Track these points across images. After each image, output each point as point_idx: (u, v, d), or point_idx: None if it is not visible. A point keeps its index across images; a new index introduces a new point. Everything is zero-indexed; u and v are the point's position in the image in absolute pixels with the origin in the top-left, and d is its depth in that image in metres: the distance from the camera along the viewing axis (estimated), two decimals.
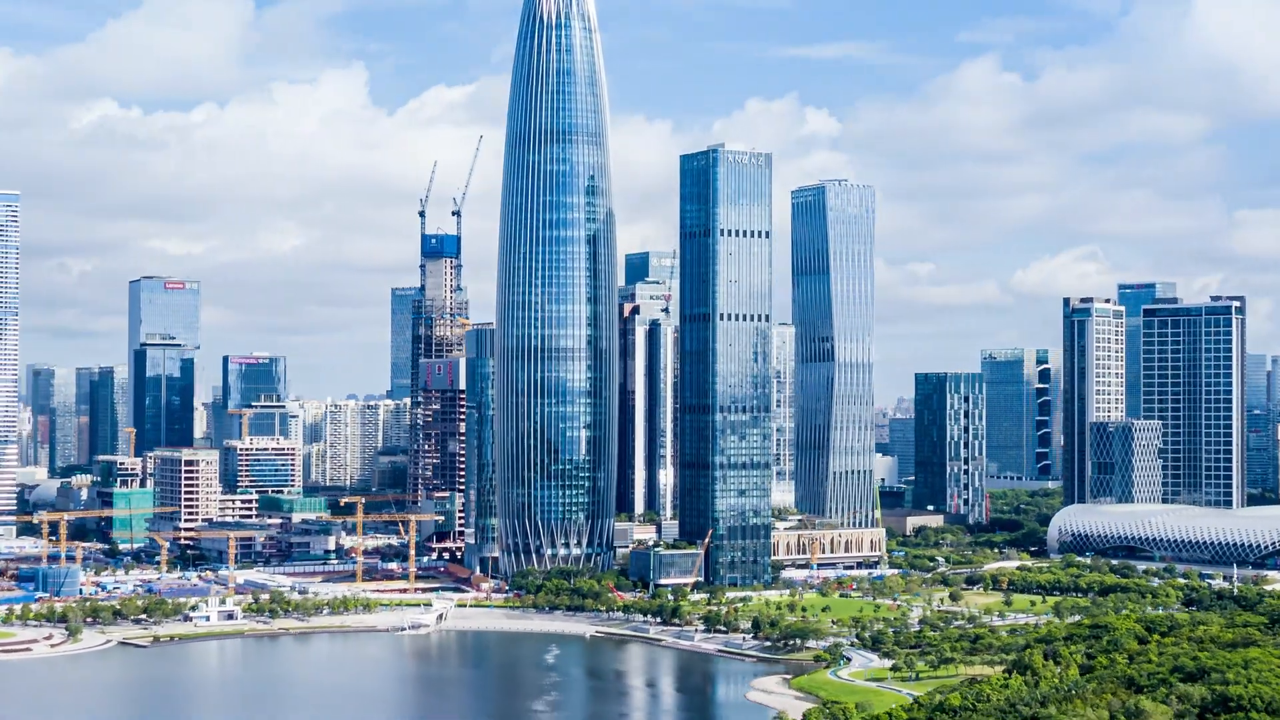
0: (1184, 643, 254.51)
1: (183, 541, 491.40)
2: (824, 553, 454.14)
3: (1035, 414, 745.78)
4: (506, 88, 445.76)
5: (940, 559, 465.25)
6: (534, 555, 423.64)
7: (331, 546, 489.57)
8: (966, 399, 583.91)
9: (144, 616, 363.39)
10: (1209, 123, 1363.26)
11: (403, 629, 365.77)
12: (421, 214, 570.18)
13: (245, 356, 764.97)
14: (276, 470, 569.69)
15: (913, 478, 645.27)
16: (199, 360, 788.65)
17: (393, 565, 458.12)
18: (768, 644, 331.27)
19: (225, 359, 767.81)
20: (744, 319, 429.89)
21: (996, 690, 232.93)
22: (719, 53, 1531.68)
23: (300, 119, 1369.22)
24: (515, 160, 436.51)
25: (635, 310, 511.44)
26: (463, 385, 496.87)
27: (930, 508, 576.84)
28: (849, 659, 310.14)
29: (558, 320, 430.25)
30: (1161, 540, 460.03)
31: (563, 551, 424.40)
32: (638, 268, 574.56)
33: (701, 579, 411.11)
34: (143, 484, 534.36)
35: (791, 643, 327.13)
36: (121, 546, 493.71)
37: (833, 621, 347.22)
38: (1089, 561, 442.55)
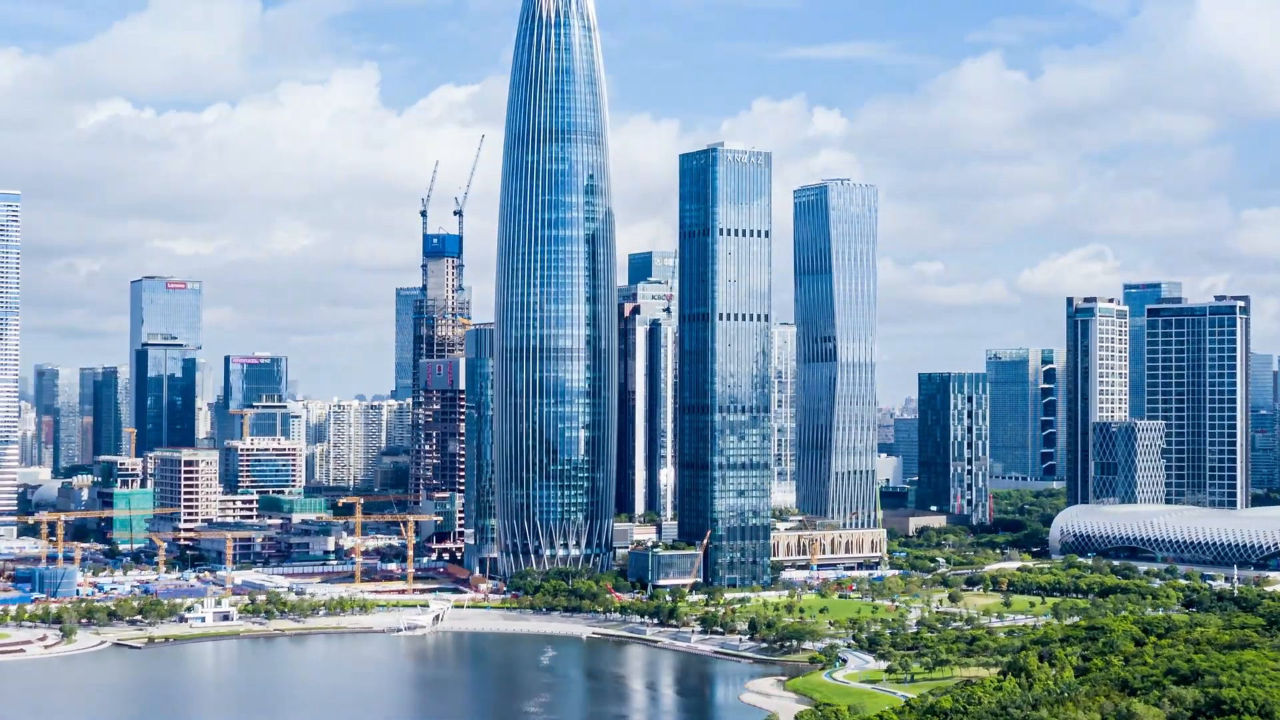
0: (1180, 644, 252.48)
1: (182, 542, 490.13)
2: (824, 553, 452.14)
3: (1040, 414, 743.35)
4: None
5: (941, 560, 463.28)
6: (532, 556, 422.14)
7: (331, 547, 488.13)
8: (970, 399, 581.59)
9: (139, 617, 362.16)
10: (1215, 122, 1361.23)
11: (399, 630, 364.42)
12: (423, 214, 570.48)
13: (247, 357, 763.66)
14: (277, 470, 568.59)
15: (916, 478, 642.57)
16: (204, 361, 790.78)
17: (392, 566, 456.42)
18: (764, 645, 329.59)
19: (226, 359, 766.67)
20: (743, 319, 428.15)
21: (989, 692, 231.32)
22: (726, 53, 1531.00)
23: (309, 119, 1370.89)
24: (514, 159, 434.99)
25: (636, 310, 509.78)
26: (463, 385, 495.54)
27: (933, 508, 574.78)
28: (844, 660, 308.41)
29: (556, 320, 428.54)
30: (1164, 541, 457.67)
31: (561, 552, 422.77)
32: (641, 267, 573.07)
33: (700, 580, 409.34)
34: (143, 484, 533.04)
35: (788, 644, 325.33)
36: (121, 547, 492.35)
37: (830, 623, 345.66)
38: (1090, 562, 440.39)
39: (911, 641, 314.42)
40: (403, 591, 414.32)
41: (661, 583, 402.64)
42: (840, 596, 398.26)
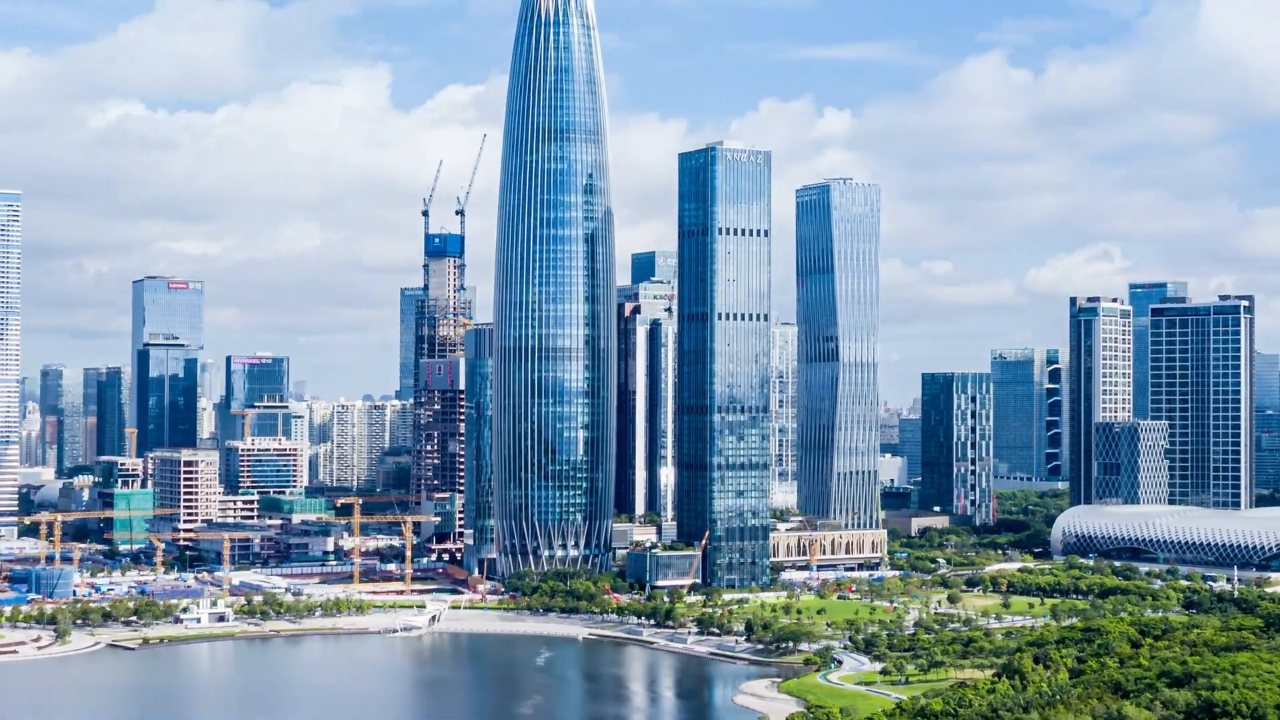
0: (1176, 646, 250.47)
1: (181, 542, 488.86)
2: (825, 554, 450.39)
3: (1045, 414, 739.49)
4: None
5: (941, 561, 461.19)
6: (531, 557, 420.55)
7: (330, 548, 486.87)
8: (974, 399, 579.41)
9: (134, 618, 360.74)
10: (1220, 122, 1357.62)
11: (394, 631, 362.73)
12: (425, 213, 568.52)
13: (249, 357, 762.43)
14: (278, 471, 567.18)
15: (920, 478, 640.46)
16: (210, 360, 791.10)
17: (391, 566, 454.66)
18: (760, 647, 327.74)
19: (228, 359, 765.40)
20: (743, 318, 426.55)
21: (980, 695, 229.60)
22: (735, 53, 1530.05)
23: (318, 120, 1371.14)
24: (513, 159, 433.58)
25: (636, 310, 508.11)
26: (463, 385, 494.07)
27: (936, 509, 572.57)
28: (840, 662, 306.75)
29: (555, 320, 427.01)
30: (1165, 542, 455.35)
31: (560, 553, 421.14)
32: (645, 267, 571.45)
33: (699, 581, 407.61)
34: (144, 485, 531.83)
35: (784, 645, 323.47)
36: (121, 548, 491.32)
37: (827, 624, 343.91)
38: (1091, 563, 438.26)
39: (908, 643, 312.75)
40: (401, 592, 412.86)
41: (660, 583, 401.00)
42: (839, 597, 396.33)
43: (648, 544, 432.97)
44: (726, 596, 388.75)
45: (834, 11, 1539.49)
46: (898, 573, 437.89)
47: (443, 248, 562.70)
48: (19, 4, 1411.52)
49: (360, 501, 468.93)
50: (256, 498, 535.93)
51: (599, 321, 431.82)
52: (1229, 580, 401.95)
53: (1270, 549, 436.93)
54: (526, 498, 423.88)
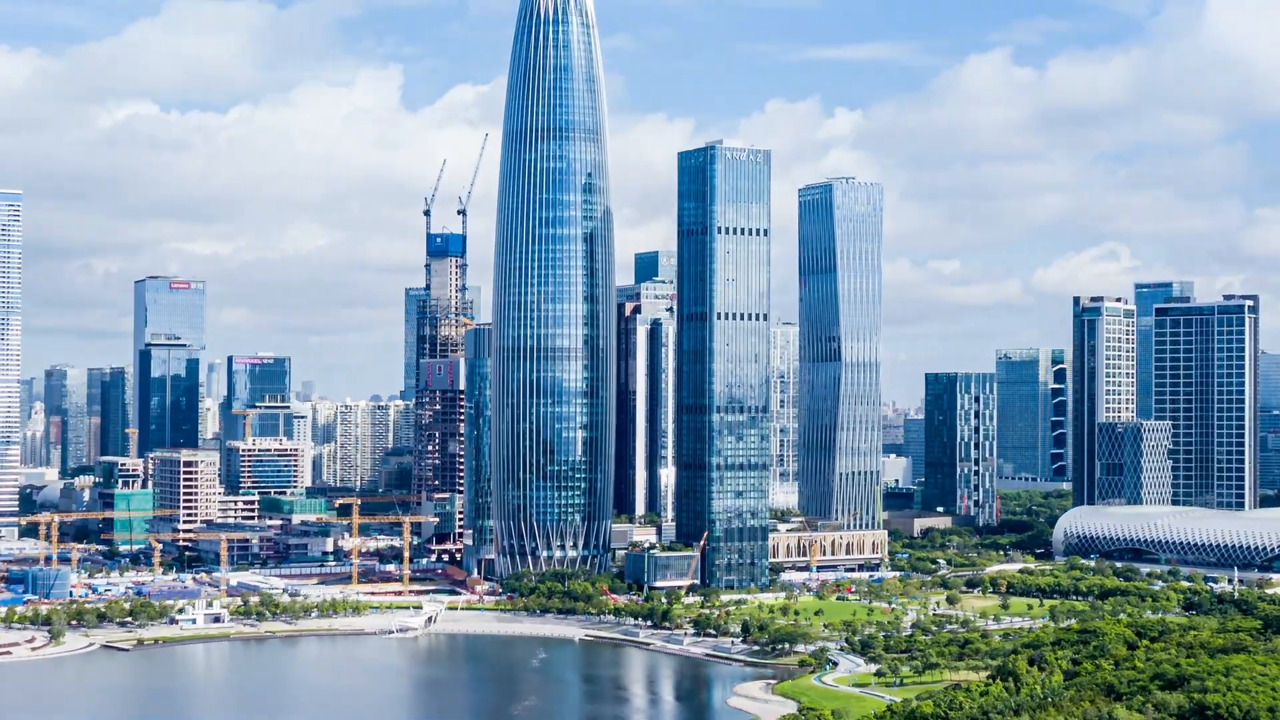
0: (1173, 648, 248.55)
1: (181, 543, 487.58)
2: (825, 555, 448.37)
3: (1050, 414, 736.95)
4: None
5: (942, 561, 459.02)
6: (529, 557, 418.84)
7: (330, 548, 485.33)
8: (977, 399, 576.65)
9: (129, 619, 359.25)
10: (1226, 122, 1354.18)
11: (390, 632, 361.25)
12: (426, 213, 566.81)
13: (250, 357, 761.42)
14: (280, 471, 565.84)
15: (923, 479, 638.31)
16: (218, 361, 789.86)
17: (391, 567, 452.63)
18: (756, 648, 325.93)
19: (230, 359, 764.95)
20: (742, 318, 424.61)
21: (971, 697, 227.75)
22: (744, 54, 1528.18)
23: (328, 121, 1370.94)
24: (512, 158, 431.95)
25: (637, 310, 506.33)
26: (463, 385, 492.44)
27: (940, 509, 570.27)
28: (835, 664, 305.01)
29: (554, 319, 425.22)
30: (1168, 543, 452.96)
31: (558, 554, 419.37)
32: (648, 266, 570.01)
33: (698, 581, 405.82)
34: (144, 485, 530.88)
35: (780, 647, 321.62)
36: (121, 548, 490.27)
37: (824, 625, 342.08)
38: (1093, 564, 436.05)
39: (904, 644, 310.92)
40: (399, 593, 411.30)
41: (658, 584, 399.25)
42: (838, 598, 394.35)
43: (646, 545, 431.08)
44: (724, 597, 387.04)
45: (842, 12, 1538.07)
46: (898, 574, 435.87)
47: (444, 247, 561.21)
48: (25, 4, 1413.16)
49: (359, 502, 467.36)
50: (257, 498, 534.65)
51: (598, 321, 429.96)
52: (1230, 581, 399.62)
53: (1272, 550, 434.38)
54: (525, 498, 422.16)
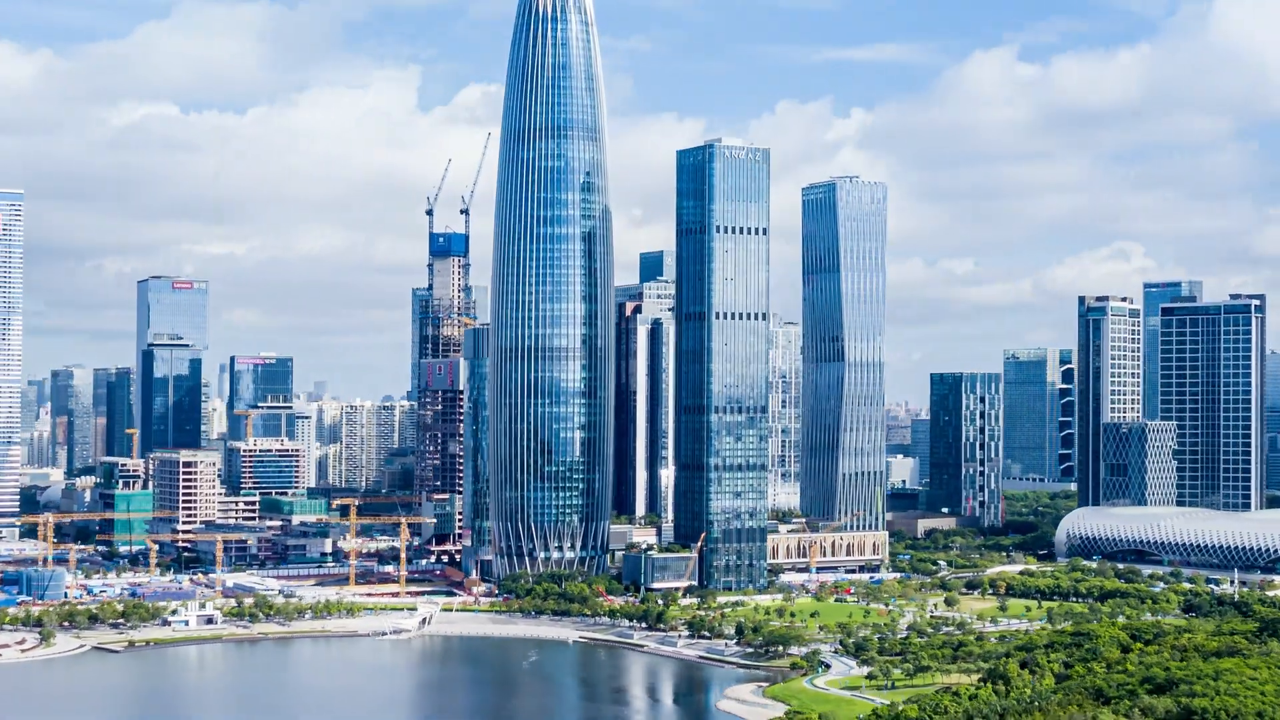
0: (1166, 651, 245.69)
1: (180, 544, 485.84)
2: (825, 556, 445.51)
3: (1058, 415, 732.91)
4: None
5: (943, 563, 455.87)
6: (527, 558, 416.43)
7: (329, 549, 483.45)
8: (982, 399, 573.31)
9: (121, 621, 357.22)
10: (1237, 121, 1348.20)
11: (384, 634, 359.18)
12: (429, 213, 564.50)
13: (254, 357, 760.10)
14: (281, 472, 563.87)
15: (928, 479, 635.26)
16: (223, 362, 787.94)
17: (390, 568, 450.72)
18: (750, 650, 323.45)
19: (232, 359, 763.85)
20: (741, 318, 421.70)
21: (957, 701, 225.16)
22: (758, 55, 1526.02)
23: (342, 122, 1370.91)
24: (511, 156, 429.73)
25: (638, 309, 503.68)
26: (463, 385, 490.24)
27: (945, 510, 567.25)
28: (828, 666, 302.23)
29: (552, 319, 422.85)
30: (1171, 544, 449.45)
31: (556, 555, 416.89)
32: (653, 266, 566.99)
33: (695, 583, 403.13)
34: (145, 486, 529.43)
35: (774, 649, 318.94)
36: (121, 549, 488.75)
37: (819, 627, 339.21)
38: (1095, 565, 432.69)
39: (899, 647, 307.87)
40: (396, 594, 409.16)
41: (656, 585, 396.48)
42: (836, 600, 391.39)
43: (644, 546, 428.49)
44: (721, 599, 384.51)
45: (857, 12, 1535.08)
46: (898, 575, 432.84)
47: (447, 247, 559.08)
48: (35, 5, 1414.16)
49: (357, 503, 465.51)
50: (258, 499, 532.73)
51: (597, 321, 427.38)
52: (1234, 583, 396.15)
53: (1276, 551, 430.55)
54: (523, 499, 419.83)
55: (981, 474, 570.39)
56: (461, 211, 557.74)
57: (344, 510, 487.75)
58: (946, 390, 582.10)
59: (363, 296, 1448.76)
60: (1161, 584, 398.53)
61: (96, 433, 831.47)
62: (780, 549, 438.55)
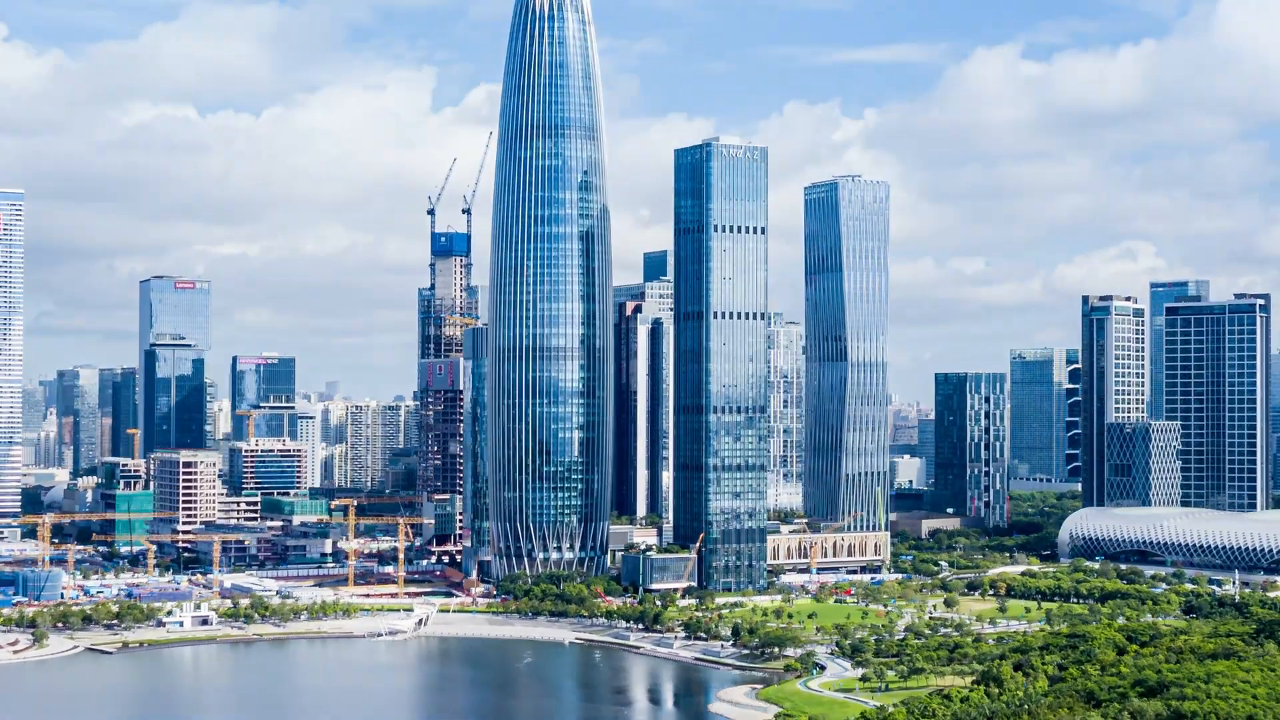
0: (1162, 653, 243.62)
1: (180, 544, 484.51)
2: (826, 557, 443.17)
3: (1065, 415, 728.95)
4: None
5: (944, 564, 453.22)
6: (526, 559, 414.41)
7: (329, 549, 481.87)
8: (987, 399, 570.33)
9: (115, 622, 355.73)
10: (1243, 121, 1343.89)
11: (379, 635, 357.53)
12: (430, 212, 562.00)
13: (256, 357, 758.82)
14: (283, 472, 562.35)
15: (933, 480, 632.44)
16: (225, 362, 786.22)
17: (389, 569, 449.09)
18: (745, 652, 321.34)
19: (235, 359, 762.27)
20: (739, 317, 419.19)
21: (947, 704, 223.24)
22: (769, 56, 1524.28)
23: (353, 122, 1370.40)
24: (508, 155, 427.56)
25: (638, 309, 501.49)
26: (464, 386, 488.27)
27: (950, 510, 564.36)
28: (823, 668, 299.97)
29: (550, 319, 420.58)
30: (1174, 544, 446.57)
31: (555, 555, 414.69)
32: (657, 265, 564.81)
33: (694, 584, 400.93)
34: (146, 486, 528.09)
35: (770, 651, 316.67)
36: (122, 549, 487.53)
37: (817, 629, 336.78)
38: (1097, 566, 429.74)
39: (895, 649, 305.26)
40: (394, 595, 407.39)
41: (655, 586, 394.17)
42: (836, 601, 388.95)
43: (643, 546, 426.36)
44: (720, 600, 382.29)
45: (866, 13, 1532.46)
46: (899, 576, 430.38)
47: (449, 247, 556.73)
48: (46, 6, 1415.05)
49: (356, 503, 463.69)
50: (259, 499, 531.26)
51: (595, 320, 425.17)
52: (1235, 584, 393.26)
53: (1279, 552, 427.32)
54: (521, 499, 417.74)
55: (986, 474, 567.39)
56: (463, 211, 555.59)
57: (344, 511, 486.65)
58: (951, 390, 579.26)
59: (373, 297, 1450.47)
60: (1163, 585, 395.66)
61: (102, 433, 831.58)
62: (781, 550, 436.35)
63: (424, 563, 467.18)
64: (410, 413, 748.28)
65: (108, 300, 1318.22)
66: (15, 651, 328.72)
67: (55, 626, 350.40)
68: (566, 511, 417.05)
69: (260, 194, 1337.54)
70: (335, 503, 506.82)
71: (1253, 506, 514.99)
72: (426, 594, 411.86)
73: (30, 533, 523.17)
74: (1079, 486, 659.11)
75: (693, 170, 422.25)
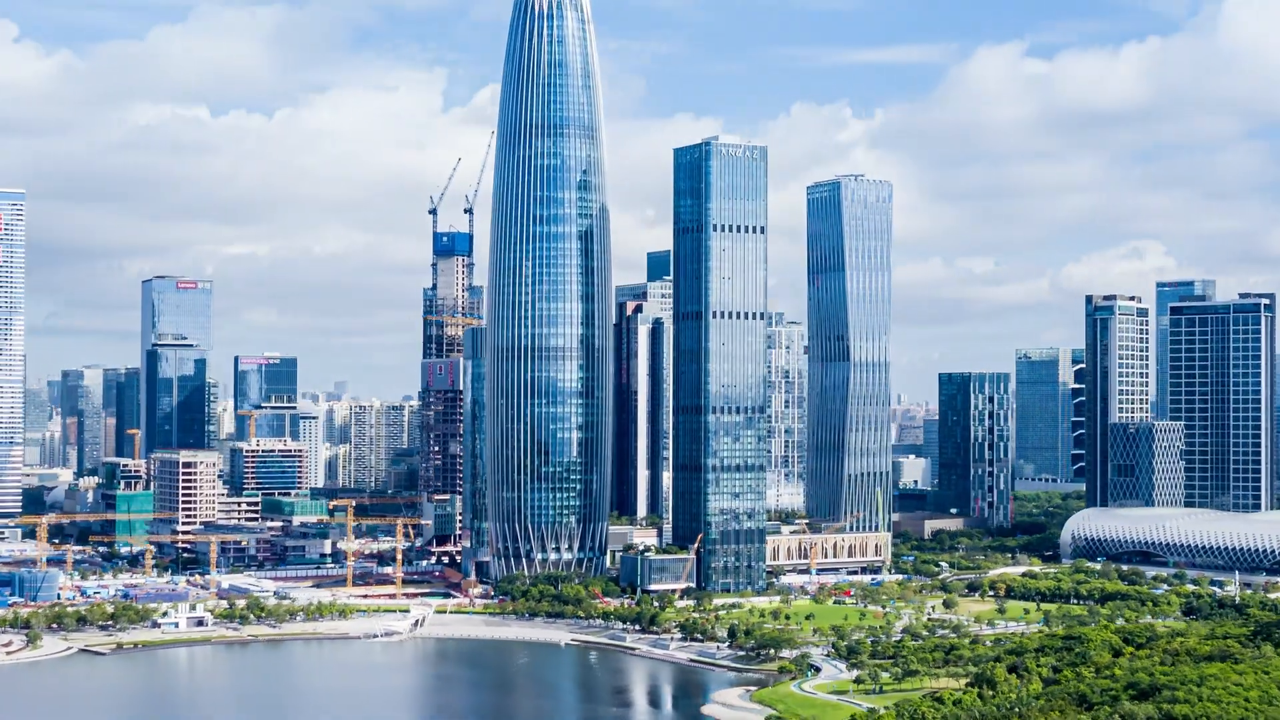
0: (1158, 655, 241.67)
1: (180, 545, 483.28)
2: (826, 558, 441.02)
3: (1071, 414, 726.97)
4: None
5: (945, 564, 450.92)
6: (524, 560, 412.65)
7: (328, 550, 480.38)
8: (991, 399, 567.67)
9: (110, 623, 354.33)
10: (1246, 121, 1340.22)
11: (375, 636, 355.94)
12: (432, 212, 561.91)
13: (258, 357, 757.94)
14: (284, 472, 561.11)
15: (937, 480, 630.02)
16: (229, 362, 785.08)
17: (389, 569, 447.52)
18: (741, 654, 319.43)
19: (236, 359, 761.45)
20: (738, 317, 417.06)
21: (937, 707, 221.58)
22: (778, 57, 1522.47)
23: (363, 123, 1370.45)
24: (506, 155, 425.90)
25: (639, 309, 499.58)
26: (464, 386, 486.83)
27: (954, 511, 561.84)
28: (818, 669, 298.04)
29: (549, 319, 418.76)
30: (1176, 545, 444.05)
31: (553, 556, 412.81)
32: (661, 264, 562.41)
33: (693, 585, 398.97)
34: (146, 486, 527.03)
35: (765, 652, 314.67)
36: (122, 550, 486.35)
37: (814, 630, 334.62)
38: (1098, 567, 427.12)
39: (892, 650, 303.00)
40: (392, 596, 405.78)
41: (653, 587, 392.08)
42: (835, 602, 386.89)
43: (642, 547, 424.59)
44: (718, 601, 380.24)
45: (874, 14, 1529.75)
46: (899, 576, 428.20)
47: (451, 246, 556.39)
48: (54, 7, 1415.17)
49: (361, 503, 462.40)
50: (260, 499, 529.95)
51: (594, 320, 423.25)
52: (1237, 585, 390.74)
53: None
54: (520, 500, 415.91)
55: (990, 474, 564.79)
56: (465, 211, 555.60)
57: (342, 511, 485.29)
58: (955, 390, 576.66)
59: (382, 297, 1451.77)
60: (1164, 586, 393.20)
61: (106, 433, 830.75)
62: (781, 550, 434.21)
63: (424, 563, 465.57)
64: (414, 413, 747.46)
65: (116, 300, 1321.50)
66: (9, 653, 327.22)
67: (49, 628, 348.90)
68: (565, 512, 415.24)
69: (269, 194, 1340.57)
70: (334, 503, 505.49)
71: (1257, 507, 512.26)
72: (424, 595, 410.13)
73: (32, 533, 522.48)
74: (1084, 487, 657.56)
75: (692, 169, 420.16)
